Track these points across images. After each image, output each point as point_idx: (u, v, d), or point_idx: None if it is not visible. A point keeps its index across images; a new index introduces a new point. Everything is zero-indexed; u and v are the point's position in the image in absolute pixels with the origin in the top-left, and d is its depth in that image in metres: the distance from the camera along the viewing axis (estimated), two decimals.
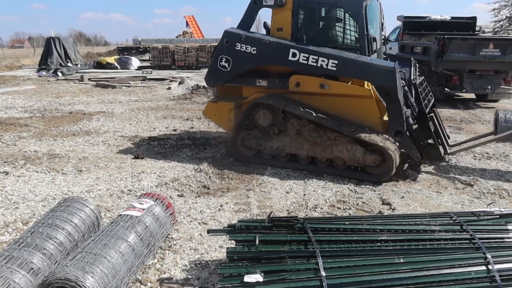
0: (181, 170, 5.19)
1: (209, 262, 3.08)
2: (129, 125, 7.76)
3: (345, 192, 4.51)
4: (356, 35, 5.03)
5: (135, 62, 19.64)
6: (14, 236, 3.42)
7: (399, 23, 12.53)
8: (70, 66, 18.04)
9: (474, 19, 12.17)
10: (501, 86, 9.78)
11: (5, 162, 5.36)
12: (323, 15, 5.25)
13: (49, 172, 5.05)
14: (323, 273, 2.34)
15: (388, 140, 4.74)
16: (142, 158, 5.62)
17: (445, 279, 2.35)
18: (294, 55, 4.99)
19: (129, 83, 13.77)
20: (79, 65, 18.84)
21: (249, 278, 2.31)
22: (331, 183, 4.79)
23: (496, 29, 26.23)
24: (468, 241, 2.58)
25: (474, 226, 2.72)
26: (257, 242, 2.55)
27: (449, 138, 5.53)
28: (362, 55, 4.91)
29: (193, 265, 3.04)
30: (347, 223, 2.75)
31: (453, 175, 5.10)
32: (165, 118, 8.37)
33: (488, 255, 2.45)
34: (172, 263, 3.06)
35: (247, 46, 5.21)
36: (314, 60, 4.90)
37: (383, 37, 5.69)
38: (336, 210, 4.07)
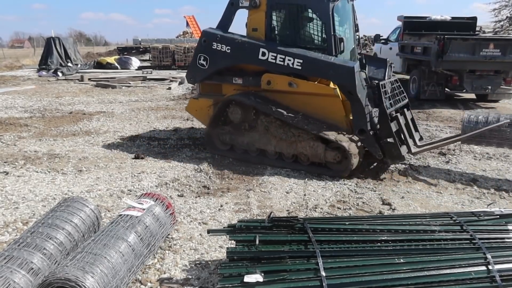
0: (181, 170, 5.19)
1: (209, 262, 3.08)
2: (129, 125, 7.76)
3: (345, 192, 4.51)
4: (324, 36, 5.20)
5: (135, 62, 19.63)
6: (14, 236, 3.42)
7: (399, 23, 12.53)
8: (70, 66, 18.04)
9: (474, 19, 12.17)
10: (501, 86, 9.78)
11: (5, 162, 5.36)
12: (293, 16, 5.38)
13: (49, 172, 5.05)
14: (323, 273, 2.33)
15: (348, 138, 4.89)
16: (142, 158, 5.62)
17: (445, 279, 2.35)
18: (263, 54, 5.24)
19: (129, 83, 13.77)
20: (79, 65, 18.84)
21: (249, 278, 2.31)
22: (331, 183, 4.79)
23: (497, 29, 26.23)
24: (468, 241, 2.58)
25: (474, 226, 2.71)
26: (257, 242, 2.55)
27: (422, 139, 5.60)
28: (329, 55, 5.05)
29: (193, 265, 3.04)
30: (347, 223, 2.74)
31: (453, 175, 5.10)
32: (165, 118, 8.37)
33: (488, 255, 2.44)
34: (172, 263, 3.06)
35: (222, 45, 5.49)
36: (282, 59, 5.14)
37: (357, 37, 5.83)
38: (336, 210, 4.07)
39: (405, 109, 5.50)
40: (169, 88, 12.63)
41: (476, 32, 12.53)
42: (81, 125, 7.70)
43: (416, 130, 5.57)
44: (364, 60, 5.90)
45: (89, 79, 14.63)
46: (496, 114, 5.18)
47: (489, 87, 9.58)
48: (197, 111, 6.02)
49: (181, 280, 2.85)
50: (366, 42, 37.42)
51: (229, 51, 5.47)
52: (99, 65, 19.03)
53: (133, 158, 5.64)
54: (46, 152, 5.89)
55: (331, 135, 4.86)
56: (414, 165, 5.44)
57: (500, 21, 27.28)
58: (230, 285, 2.33)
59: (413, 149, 5.07)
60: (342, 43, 5.04)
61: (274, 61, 5.18)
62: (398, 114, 5.10)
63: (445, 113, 9.09)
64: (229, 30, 5.66)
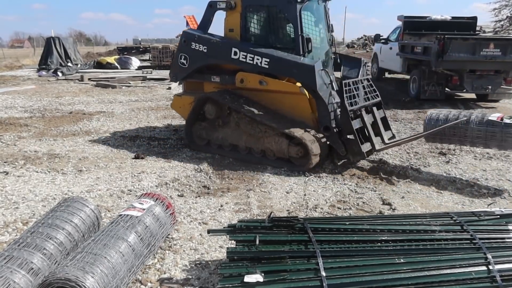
0: (181, 170, 5.19)
1: (209, 262, 3.08)
2: (129, 125, 7.76)
3: (345, 192, 4.51)
4: (293, 36, 5.41)
5: (135, 62, 19.63)
6: (14, 236, 3.42)
7: (400, 23, 12.51)
8: (70, 66, 18.04)
9: (474, 19, 12.15)
10: (502, 86, 9.76)
11: (5, 162, 5.36)
12: (265, 17, 5.66)
13: (49, 172, 5.05)
14: (324, 273, 2.33)
15: (310, 134, 5.07)
16: (142, 158, 5.62)
17: (446, 279, 2.35)
18: (235, 53, 5.54)
19: (129, 83, 13.77)
20: (79, 65, 18.84)
21: (249, 278, 2.31)
22: (331, 183, 4.79)
23: (497, 29, 26.22)
24: (468, 241, 2.58)
25: (474, 226, 2.71)
26: (257, 242, 2.55)
27: (394, 137, 5.69)
28: (297, 54, 5.29)
29: (193, 265, 3.04)
30: (347, 223, 2.74)
31: (454, 175, 5.09)
32: (165, 118, 8.37)
33: (489, 255, 2.44)
34: (172, 263, 3.06)
35: (200, 45, 5.86)
36: (251, 59, 5.42)
37: (331, 37, 6.03)
38: (337, 210, 4.07)
39: (375, 108, 5.60)
40: (169, 88, 12.63)
41: (476, 32, 12.52)
42: (81, 125, 7.70)
43: (388, 128, 5.70)
44: (339, 60, 6.17)
45: (89, 79, 14.63)
46: (457, 112, 5.21)
47: (490, 87, 9.56)
48: (181, 108, 6.28)
49: (181, 280, 2.85)
50: (366, 42, 37.44)
51: (205, 50, 5.81)
52: (99, 65, 19.03)
53: (133, 158, 5.64)
54: (46, 152, 5.89)
55: (295, 131, 5.02)
56: (414, 165, 5.44)
57: (500, 20, 27.28)
58: (230, 285, 2.33)
59: (377, 146, 5.21)
60: (309, 43, 5.27)
61: (244, 60, 5.47)
62: (364, 112, 5.25)
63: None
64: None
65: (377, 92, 5.72)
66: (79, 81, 14.54)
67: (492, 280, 2.35)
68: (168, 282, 2.83)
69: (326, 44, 5.97)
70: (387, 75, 14.56)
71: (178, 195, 4.40)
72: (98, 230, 3.02)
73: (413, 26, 12.07)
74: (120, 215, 2.97)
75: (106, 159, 5.59)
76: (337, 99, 5.25)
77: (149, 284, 2.80)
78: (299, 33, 5.28)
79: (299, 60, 5.18)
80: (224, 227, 2.89)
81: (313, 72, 4.99)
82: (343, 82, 5.11)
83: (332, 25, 6.00)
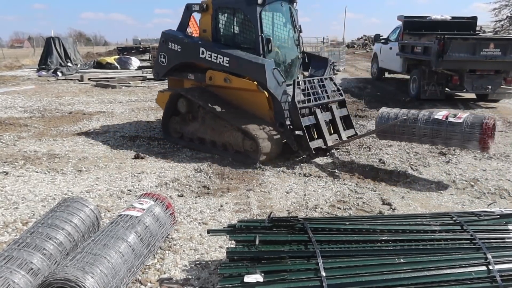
0: (181, 170, 5.19)
1: (209, 262, 3.08)
2: (129, 125, 7.76)
3: (345, 192, 4.51)
4: (254, 36, 5.72)
5: (135, 62, 19.62)
6: (13, 236, 3.42)
7: (400, 23, 12.51)
8: (70, 66, 18.03)
9: (474, 19, 12.15)
10: (502, 86, 9.75)
11: (4, 162, 5.36)
12: (231, 18, 6.04)
13: (48, 172, 5.05)
14: (323, 273, 2.33)
15: (263, 130, 5.34)
16: (142, 158, 5.62)
17: (446, 279, 2.35)
18: (203, 53, 5.96)
19: (129, 83, 13.77)
20: (79, 65, 18.83)
21: (249, 278, 2.31)
22: (331, 183, 4.79)
23: (497, 29, 26.23)
24: (468, 241, 2.58)
25: (474, 226, 2.71)
26: (257, 242, 2.54)
27: (356, 134, 5.95)
28: (257, 54, 5.60)
29: (193, 265, 3.03)
30: (347, 223, 2.74)
31: (454, 175, 5.09)
32: None
33: (489, 255, 2.44)
34: (172, 263, 3.06)
35: (175, 44, 6.36)
36: (215, 58, 5.81)
37: (297, 38, 6.29)
38: (336, 210, 4.07)
39: (336, 106, 5.95)
40: None
41: (477, 32, 12.52)
42: (81, 125, 7.70)
43: (350, 127, 6.04)
44: (306, 59, 6.53)
45: (89, 79, 14.62)
46: (406, 110, 5.30)
47: (490, 87, 9.56)
48: (163, 103, 6.58)
49: (181, 280, 2.85)
50: (366, 42, 37.47)
51: (179, 50, 6.32)
52: (99, 65, 19.02)
53: (133, 158, 5.64)
54: (45, 152, 5.88)
55: (249, 127, 5.32)
56: (414, 165, 5.43)
57: (500, 20, 27.30)
58: (230, 285, 2.33)
59: (329, 143, 5.53)
60: (269, 44, 5.59)
61: (210, 59, 5.88)
62: (319, 110, 5.58)
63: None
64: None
65: (341, 91, 6.05)
66: (79, 81, 14.53)
67: (492, 280, 2.35)
68: (168, 282, 2.83)
69: (293, 44, 6.26)
70: (387, 75, 14.56)
71: (178, 195, 4.40)
72: (98, 230, 3.01)
73: (413, 26, 12.07)
74: (120, 215, 2.97)
75: (106, 159, 5.59)
76: (298, 98, 5.44)
77: (149, 284, 2.80)
78: (259, 34, 5.59)
79: (253, 59, 5.47)
80: (224, 227, 2.88)
81: (263, 70, 5.29)
82: (295, 80, 5.42)
83: (300, 26, 6.31)
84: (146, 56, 24.19)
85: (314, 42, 41.06)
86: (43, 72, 16.80)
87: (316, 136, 5.58)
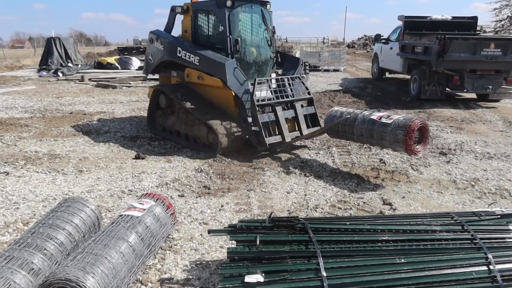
0: (181, 170, 5.19)
1: (210, 262, 3.08)
2: (130, 125, 7.76)
3: (345, 192, 4.51)
4: (224, 37, 6.06)
5: (135, 62, 19.61)
6: (14, 236, 3.42)
7: (400, 23, 12.51)
8: (70, 66, 18.03)
9: (475, 18, 12.14)
10: (502, 86, 9.75)
11: (5, 163, 5.36)
12: (207, 20, 6.47)
13: (49, 172, 5.05)
14: (324, 273, 2.33)
15: (224, 126, 5.65)
16: (142, 158, 5.62)
17: (446, 279, 2.35)
18: (179, 52, 6.40)
19: (130, 83, 13.77)
20: (79, 65, 18.83)
21: (249, 278, 2.31)
22: (332, 183, 4.79)
23: (497, 29, 26.22)
24: (469, 241, 2.58)
25: (475, 226, 2.71)
26: (257, 242, 2.54)
27: (320, 132, 6.01)
28: (226, 54, 5.98)
29: (194, 266, 3.04)
30: (348, 223, 2.74)
31: (454, 175, 5.09)
32: None
33: (489, 255, 2.44)
34: (173, 263, 3.06)
35: (159, 44, 6.90)
36: (189, 57, 6.22)
37: (269, 38, 6.55)
38: (337, 210, 4.07)
39: (302, 105, 6.22)
40: None
41: (477, 32, 12.51)
42: (82, 125, 7.70)
43: (317, 125, 6.26)
44: (279, 59, 6.83)
45: (89, 79, 14.63)
46: (353, 110, 5.34)
47: (490, 86, 9.56)
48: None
49: (182, 281, 2.85)
50: (366, 42, 37.46)
51: (162, 48, 6.83)
52: (100, 65, 19.02)
53: (133, 158, 5.64)
54: (46, 152, 5.89)
55: (212, 122, 5.67)
56: (414, 165, 5.43)
57: (501, 20, 27.30)
58: (231, 285, 2.33)
59: (287, 139, 5.78)
60: (237, 44, 5.98)
61: (185, 58, 6.30)
62: (280, 107, 5.86)
63: (446, 113, 9.08)
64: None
65: (309, 90, 6.33)
66: (80, 81, 14.54)
67: (492, 280, 2.35)
68: (169, 282, 2.83)
69: (265, 44, 6.55)
70: (387, 75, 14.56)
71: (179, 195, 4.40)
72: (99, 231, 3.02)
73: (413, 26, 12.07)
74: (121, 215, 2.97)
75: (106, 160, 5.60)
76: (258, 95, 5.75)
77: (149, 284, 2.80)
78: (227, 35, 5.97)
79: (216, 59, 5.84)
80: (224, 227, 2.88)
81: (223, 69, 5.62)
82: (256, 79, 5.72)
83: (274, 27, 6.62)
84: (145, 60, 24.11)
85: (314, 42, 41.04)
86: (44, 73, 16.81)
87: (277, 133, 5.85)
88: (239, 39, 6.01)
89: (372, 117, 4.86)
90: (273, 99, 5.82)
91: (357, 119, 5.02)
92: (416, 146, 4.57)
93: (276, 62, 6.79)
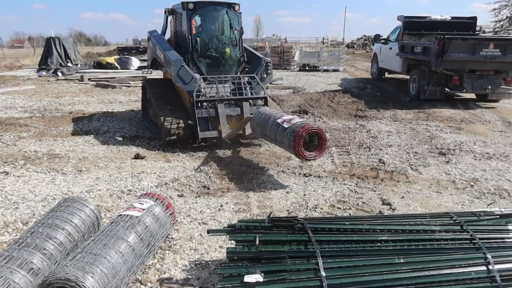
0: (181, 170, 5.19)
1: (209, 262, 3.08)
2: (129, 125, 7.76)
3: (345, 192, 4.51)
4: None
5: (135, 62, 19.59)
6: (14, 236, 3.42)
7: (399, 23, 12.51)
8: (70, 66, 18.02)
9: (474, 19, 12.16)
10: (502, 86, 9.76)
11: (5, 162, 5.36)
12: (180, 21, 6.90)
13: (49, 172, 5.05)
14: (323, 273, 2.33)
15: (173, 118, 6.04)
16: (142, 158, 5.62)
17: (446, 279, 2.35)
18: (158, 50, 6.91)
19: (129, 83, 13.76)
20: (79, 65, 18.82)
21: (249, 278, 2.31)
22: (331, 183, 4.79)
23: (497, 29, 26.26)
24: (468, 241, 2.58)
25: (474, 226, 2.71)
26: (257, 242, 2.55)
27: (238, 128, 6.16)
28: (188, 53, 6.48)
29: (193, 265, 3.04)
30: (347, 223, 2.74)
31: (453, 175, 5.10)
32: None
33: (489, 255, 2.44)
34: (172, 263, 3.06)
35: (150, 43, 7.55)
36: (162, 55, 6.68)
37: (234, 38, 6.84)
38: (336, 210, 4.07)
39: (253, 104, 6.42)
40: None
41: (476, 32, 12.52)
42: (81, 125, 7.70)
43: None
44: (245, 58, 7.05)
45: (89, 79, 14.61)
46: (270, 111, 5.37)
47: (489, 87, 9.56)
48: None
49: (181, 280, 2.85)
50: (366, 42, 37.47)
51: (152, 47, 7.40)
52: (99, 65, 19.00)
53: (133, 158, 5.64)
54: (46, 152, 5.88)
55: (162, 113, 6.14)
56: (414, 165, 5.44)
57: (500, 20, 27.34)
58: (230, 285, 2.33)
59: (223, 135, 6.03)
60: (197, 44, 6.44)
61: (160, 56, 6.81)
62: (222, 104, 6.11)
63: (445, 113, 9.09)
64: None
65: (263, 90, 6.54)
66: (79, 81, 14.52)
67: (491, 280, 2.35)
68: (168, 282, 2.83)
69: (230, 44, 6.84)
70: (387, 75, 14.57)
71: (178, 195, 4.40)
72: (98, 230, 3.02)
73: (413, 26, 12.08)
74: (120, 215, 2.97)
75: (106, 159, 5.59)
76: (201, 92, 6.11)
77: (149, 284, 2.80)
78: (188, 35, 6.46)
79: (169, 56, 6.24)
80: (224, 227, 2.89)
81: (170, 66, 6.08)
82: (201, 77, 6.14)
83: (242, 28, 6.86)
84: (146, 56, 24.13)
85: (314, 42, 41.04)
86: (43, 72, 16.80)
87: (219, 128, 6.08)
88: (198, 39, 6.44)
89: (278, 120, 4.88)
90: (216, 96, 6.11)
91: (269, 121, 5.05)
92: (310, 152, 4.59)
93: (244, 61, 7.04)
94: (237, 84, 6.33)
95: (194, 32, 6.49)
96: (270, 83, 14.05)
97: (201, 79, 6.24)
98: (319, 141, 4.66)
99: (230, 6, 6.70)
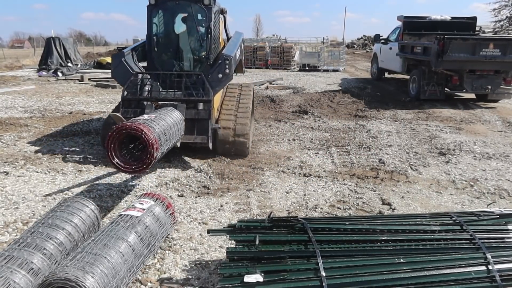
0: (181, 170, 5.19)
1: (209, 262, 3.08)
2: None
3: (345, 192, 4.51)
4: None
5: None
6: (14, 236, 3.43)
7: (399, 23, 12.52)
8: (70, 66, 18.02)
9: (474, 19, 12.16)
10: (501, 86, 9.76)
11: (5, 162, 5.36)
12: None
13: (49, 172, 5.05)
14: (323, 273, 2.34)
15: (118, 113, 5.38)
16: None
17: (445, 279, 2.35)
18: None
19: None
20: (79, 65, 18.81)
21: (249, 278, 2.31)
22: (331, 183, 4.80)
23: (496, 29, 26.27)
24: (468, 241, 2.58)
25: (474, 226, 2.72)
26: (257, 242, 2.55)
27: (207, 140, 5.46)
28: (148, 50, 6.17)
29: (193, 265, 3.04)
30: (347, 223, 2.75)
31: (453, 175, 5.10)
32: None
33: (488, 255, 2.45)
34: (172, 263, 3.06)
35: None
36: None
37: (199, 37, 6.21)
38: (336, 210, 4.07)
39: (190, 107, 5.47)
40: None
41: (476, 32, 12.53)
42: (81, 125, 7.70)
43: (201, 132, 5.43)
44: (211, 59, 6.22)
45: (89, 79, 14.62)
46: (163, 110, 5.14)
47: (489, 87, 9.57)
48: None
49: (181, 280, 2.85)
50: (366, 42, 37.48)
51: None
52: (99, 65, 19.01)
53: None
54: (46, 152, 5.89)
55: (116, 108, 6.05)
56: (414, 165, 5.44)
57: (500, 21, 27.37)
58: (230, 285, 2.33)
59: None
60: (153, 42, 6.07)
61: None
62: (150, 105, 5.40)
63: (445, 113, 9.09)
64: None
65: (210, 92, 5.46)
66: (79, 81, 14.53)
67: (491, 280, 2.35)
68: (168, 282, 2.83)
69: (193, 43, 6.31)
70: (387, 75, 14.57)
71: (178, 195, 4.40)
72: (98, 230, 3.02)
73: (413, 26, 12.09)
74: (120, 215, 2.97)
75: (106, 159, 5.59)
76: (130, 89, 5.56)
77: (149, 284, 2.80)
78: (148, 32, 6.07)
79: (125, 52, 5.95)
80: (224, 227, 2.89)
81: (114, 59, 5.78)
82: (135, 72, 5.65)
83: (210, 25, 5.98)
84: None
85: (314, 42, 41.04)
86: (44, 72, 16.80)
87: None
88: (156, 37, 6.07)
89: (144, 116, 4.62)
90: (147, 95, 5.48)
91: (173, 124, 4.78)
92: (127, 165, 3.70)
93: (209, 63, 6.13)
94: (177, 83, 5.58)
95: (155, 29, 6.07)
96: (270, 83, 14.07)
97: (142, 76, 5.63)
98: (144, 148, 3.62)
99: (198, 0, 6.00)
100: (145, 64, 6.48)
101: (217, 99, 5.82)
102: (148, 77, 5.72)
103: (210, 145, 5.41)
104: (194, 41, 6.29)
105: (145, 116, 4.24)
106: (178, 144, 4.94)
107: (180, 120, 4.81)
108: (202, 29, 6.13)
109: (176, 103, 5.36)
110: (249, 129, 5.80)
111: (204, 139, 5.33)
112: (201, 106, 5.43)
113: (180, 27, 6.32)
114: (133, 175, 4.60)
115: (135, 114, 5.27)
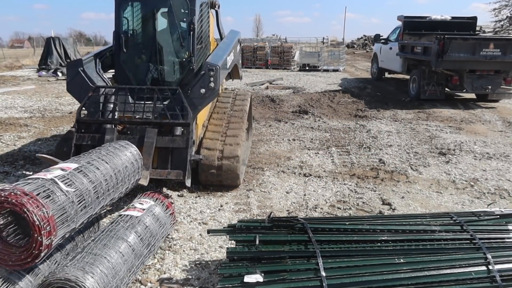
0: None
1: (209, 262, 3.08)
2: None
3: (345, 192, 4.51)
4: None
5: None
6: None
7: (399, 23, 12.52)
8: None
9: (474, 19, 12.16)
10: (502, 86, 9.76)
11: (5, 162, 5.36)
12: None
13: None
14: (323, 273, 2.33)
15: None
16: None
17: (446, 279, 2.35)
18: None
19: None
20: None
21: (249, 278, 2.31)
22: (331, 183, 4.79)
23: (497, 29, 26.28)
24: (468, 241, 2.58)
25: (474, 226, 2.71)
26: (257, 242, 2.55)
27: (184, 176, 4.22)
28: (115, 51, 4.97)
29: (193, 265, 3.04)
30: (347, 223, 2.74)
31: (454, 175, 5.10)
32: None
33: (489, 255, 2.44)
34: (172, 263, 3.06)
35: None
36: None
37: (178, 35, 4.85)
38: (336, 210, 4.07)
39: (164, 132, 4.39)
40: None
41: (476, 32, 12.53)
42: None
43: (177, 166, 4.19)
44: (194, 62, 4.81)
45: None
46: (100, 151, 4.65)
47: (489, 87, 9.57)
48: None
49: (181, 280, 2.85)
50: (366, 42, 37.48)
51: None
52: None
53: None
54: (46, 152, 5.88)
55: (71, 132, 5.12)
56: (414, 165, 5.44)
57: (500, 20, 27.38)
58: (230, 285, 2.33)
59: None
60: (120, 40, 4.78)
61: None
62: (113, 129, 4.30)
63: (445, 113, 9.09)
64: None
65: (189, 114, 4.24)
66: None
67: (492, 280, 2.35)
68: (168, 282, 2.83)
69: (172, 43, 4.98)
70: (387, 75, 14.57)
71: (178, 195, 4.39)
72: (98, 230, 3.02)
73: (413, 26, 12.08)
74: (120, 215, 2.97)
75: None
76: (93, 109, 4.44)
77: (149, 284, 2.80)
78: (115, 30, 4.85)
79: (95, 52, 5.22)
80: (224, 227, 2.89)
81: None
82: (96, 86, 4.46)
83: (193, 22, 4.69)
84: None
85: (314, 42, 41.04)
86: (43, 72, 16.81)
87: None
88: (124, 35, 4.80)
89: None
90: (113, 116, 4.38)
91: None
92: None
93: (191, 67, 4.76)
94: (149, 99, 4.38)
95: (124, 25, 4.87)
96: (270, 83, 14.07)
97: (104, 90, 4.47)
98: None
99: None
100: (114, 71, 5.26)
101: (203, 113, 4.79)
102: (113, 91, 4.51)
103: (188, 182, 4.16)
104: (174, 40, 4.97)
105: (69, 164, 2.83)
106: (145, 183, 3.79)
107: (135, 160, 3.47)
108: (184, 25, 4.88)
109: (146, 126, 4.25)
110: (241, 151, 4.54)
111: (180, 175, 4.08)
112: (178, 131, 4.26)
113: (157, 23, 5.00)
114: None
115: (93, 141, 4.17)
